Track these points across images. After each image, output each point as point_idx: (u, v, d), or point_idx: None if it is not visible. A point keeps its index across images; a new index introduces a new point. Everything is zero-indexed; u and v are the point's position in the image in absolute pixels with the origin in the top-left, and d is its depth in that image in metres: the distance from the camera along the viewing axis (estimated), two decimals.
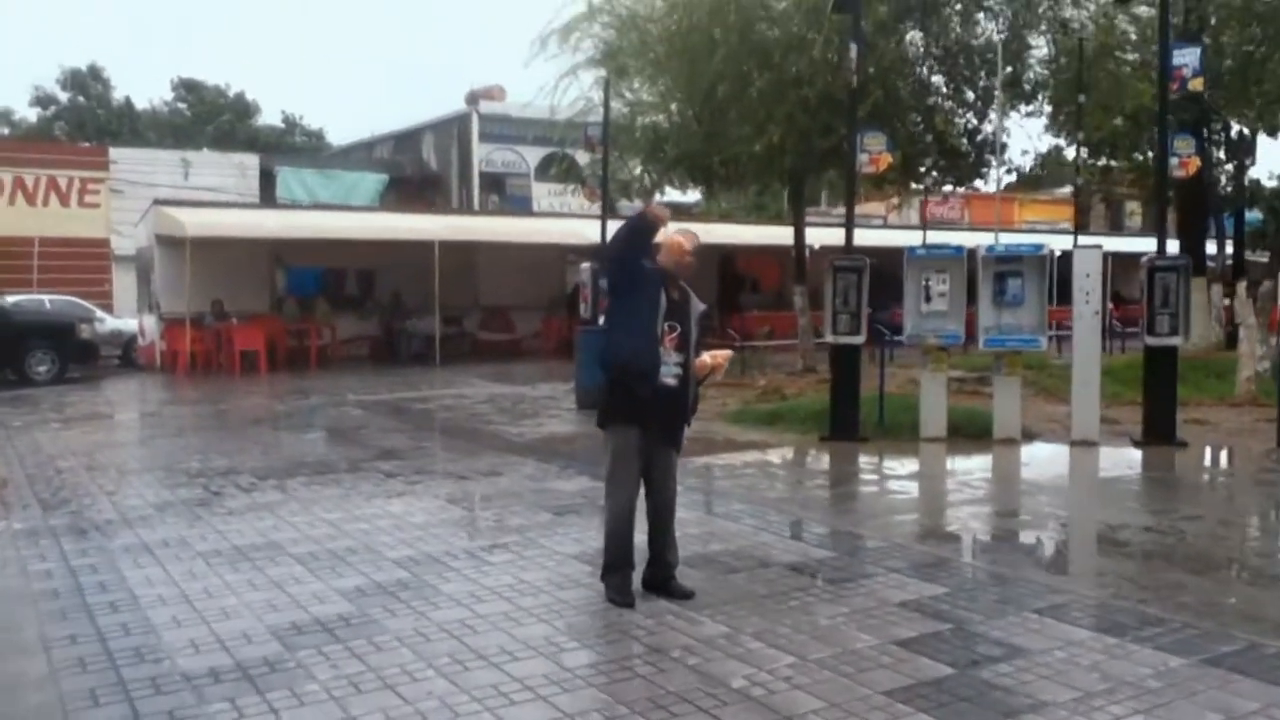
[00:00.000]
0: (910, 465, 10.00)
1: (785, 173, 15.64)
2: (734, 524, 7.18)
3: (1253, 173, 23.95)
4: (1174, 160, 10.60)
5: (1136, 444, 10.58)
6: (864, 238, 27.42)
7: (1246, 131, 20.73)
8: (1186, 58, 9.94)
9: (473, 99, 37.70)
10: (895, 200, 44.82)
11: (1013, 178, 17.76)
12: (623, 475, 5.41)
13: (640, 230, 5.16)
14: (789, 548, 6.59)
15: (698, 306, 5.52)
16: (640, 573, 5.56)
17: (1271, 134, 21.81)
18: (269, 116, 54.58)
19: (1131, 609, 5.34)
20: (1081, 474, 9.63)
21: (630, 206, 35.29)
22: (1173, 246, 18.42)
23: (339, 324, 22.57)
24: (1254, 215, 24.47)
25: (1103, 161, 23.14)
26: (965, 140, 16.04)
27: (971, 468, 9.88)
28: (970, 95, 15.44)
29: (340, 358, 22.02)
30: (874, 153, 10.89)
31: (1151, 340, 10.52)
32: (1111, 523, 7.29)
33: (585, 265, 16.69)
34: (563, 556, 6.31)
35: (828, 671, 4.46)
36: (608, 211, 16.47)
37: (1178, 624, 5.09)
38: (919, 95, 14.89)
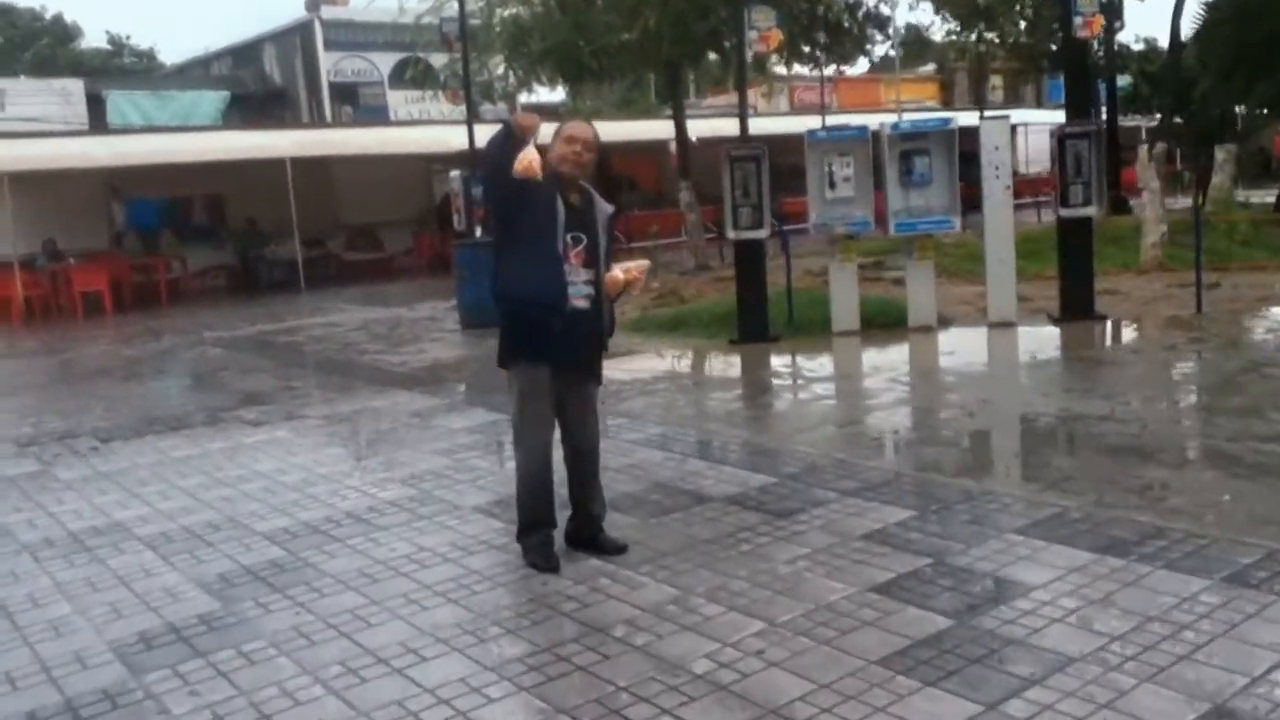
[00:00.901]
0: (829, 364, 9.34)
1: (662, 61, 14.54)
2: (657, 452, 6.35)
3: (1120, 37, 23.81)
4: (1078, 19, 9.94)
5: (1055, 320, 10.12)
6: (737, 127, 26.63)
7: None
8: None
9: (314, 4, 35.07)
10: (765, 88, 44.04)
11: (898, 52, 16.99)
12: (533, 419, 4.48)
13: (508, 142, 4.16)
14: (723, 475, 5.79)
15: (604, 210, 4.57)
16: (561, 528, 4.70)
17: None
18: (93, 39, 50.44)
19: (1123, 519, 4.71)
20: (1009, 359, 9.09)
21: (492, 110, 33.48)
22: (1059, 116, 17.94)
23: (190, 256, 20.81)
24: (1123, 81, 24.37)
25: (974, 35, 22.61)
26: (846, 15, 15.18)
27: (893, 361, 9.25)
28: None
29: (195, 291, 20.36)
30: (763, 29, 9.95)
31: (1065, 212, 9.97)
32: (1061, 413, 6.71)
33: (454, 173, 15.48)
34: (466, 512, 5.40)
35: (804, 639, 3.69)
36: (472, 115, 15.17)
37: (1179, 534, 4.47)
38: None
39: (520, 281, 4.35)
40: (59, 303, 18.10)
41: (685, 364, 9.67)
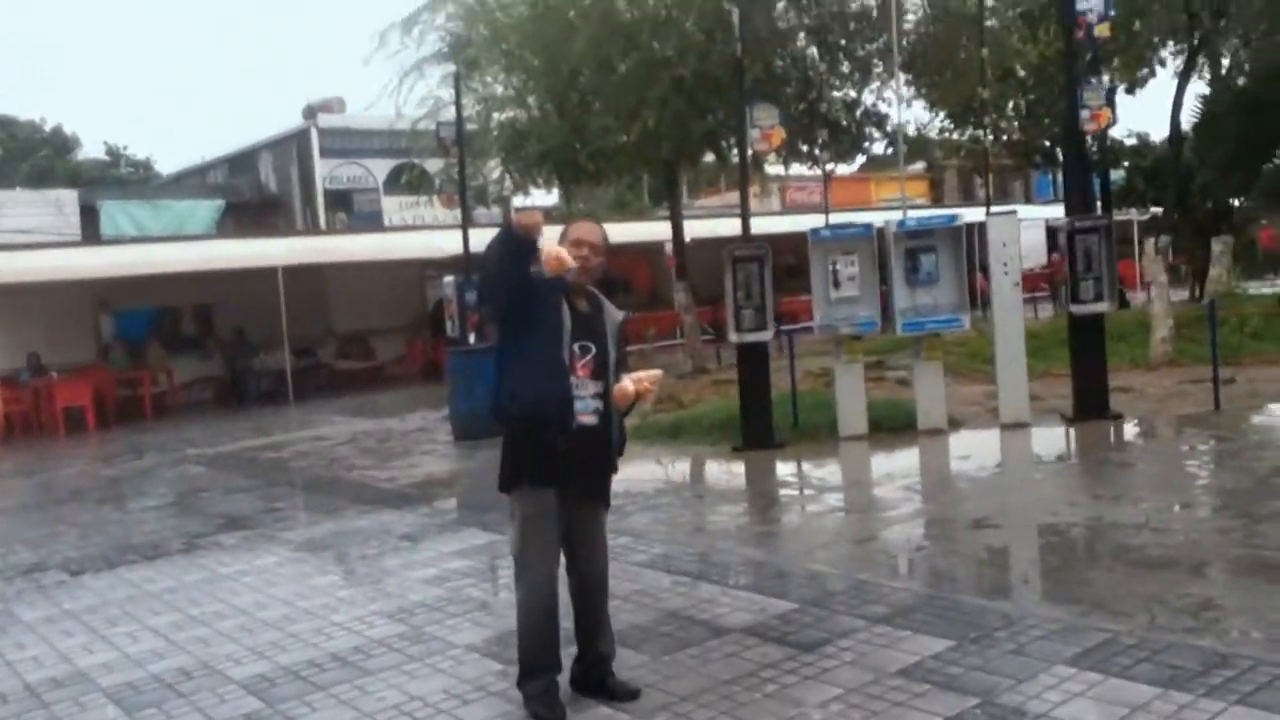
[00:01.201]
0: (839, 472, 8.96)
1: (659, 161, 14.43)
2: (664, 575, 5.91)
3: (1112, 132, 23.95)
4: (1084, 113, 9.81)
5: (1069, 421, 9.77)
6: (732, 228, 26.57)
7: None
8: (1091, 1, 9.15)
9: (311, 113, 35.49)
10: (758, 188, 44.41)
11: (903, 148, 16.99)
12: (538, 549, 4.07)
13: (510, 239, 3.84)
14: (738, 601, 5.35)
15: (614, 317, 4.24)
16: (566, 670, 4.25)
17: (1130, 91, 21.73)
18: (91, 150, 50.97)
19: (1180, 645, 4.29)
20: (1027, 462, 8.71)
21: (489, 214, 33.70)
22: (1048, 211, 18.00)
23: (177, 367, 20.44)
24: (1117, 175, 24.46)
25: (968, 132, 22.72)
26: (844, 113, 15.14)
27: (906, 468, 8.86)
28: (846, 67, 14.52)
29: (181, 404, 19.94)
30: (765, 127, 9.78)
31: (1077, 309, 9.70)
32: (1092, 522, 6.30)
33: (448, 279, 15.24)
34: (461, 651, 4.94)
35: None
36: (467, 219, 15.02)
37: (1247, 661, 4.05)
38: (797, 69, 13.87)
39: (523, 396, 3.99)
40: (40, 419, 17.68)
41: (688, 474, 9.26)
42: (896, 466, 8.91)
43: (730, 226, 28.38)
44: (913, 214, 10.10)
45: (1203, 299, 19.32)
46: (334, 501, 9.14)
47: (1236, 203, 19.35)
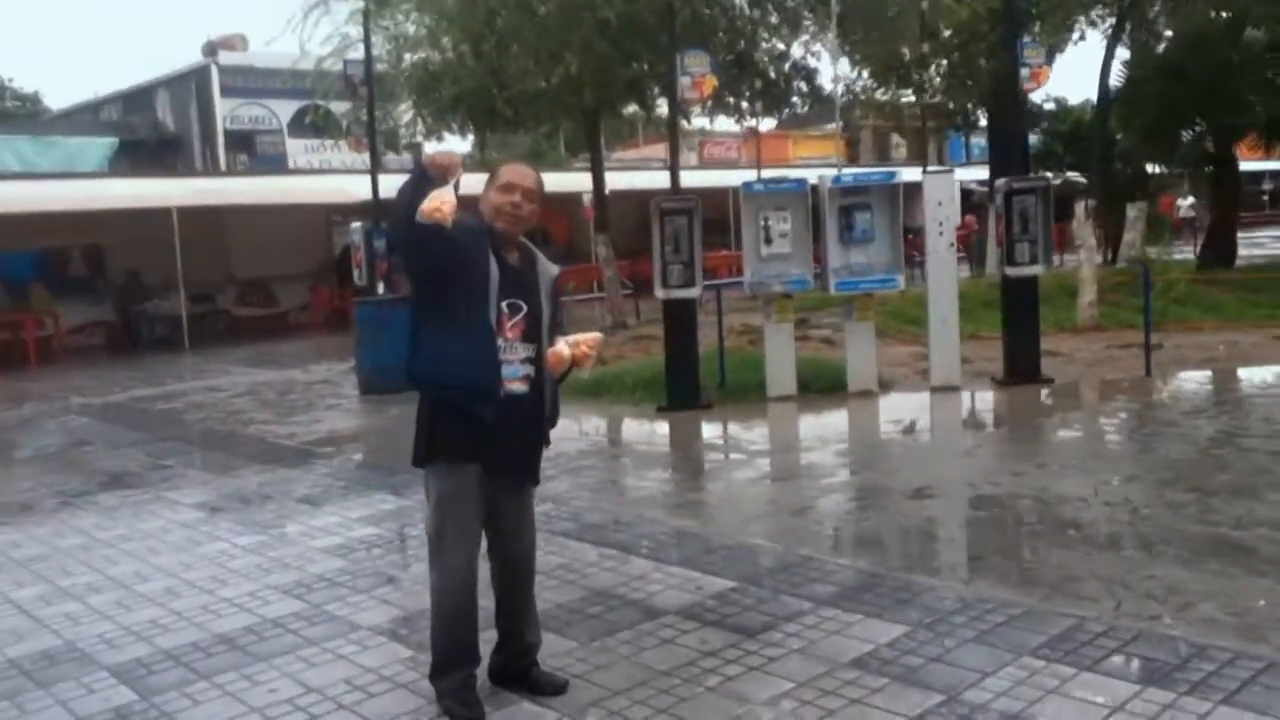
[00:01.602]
0: (770, 436, 8.59)
1: (581, 109, 13.77)
2: (590, 547, 5.46)
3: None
4: (1025, 70, 9.50)
5: (1000, 384, 9.57)
6: (651, 181, 26.05)
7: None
8: None
9: (211, 50, 33.83)
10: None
11: (808, 108, 16.61)
12: (457, 531, 3.57)
13: (424, 183, 3.29)
14: (671, 578, 4.92)
15: (548, 272, 3.73)
16: (485, 661, 3.78)
17: (1050, 55, 21.70)
18: None
19: (1153, 633, 3.99)
20: (961, 428, 8.48)
21: (398, 160, 32.57)
22: (980, 173, 17.87)
23: (65, 311, 19.25)
24: (1034, 139, 24.53)
25: (891, 91, 22.49)
26: (773, 65, 14.66)
27: (839, 431, 8.57)
28: (776, 18, 14.02)
29: (69, 350, 18.79)
30: (696, 75, 9.25)
31: (1011, 270, 9.45)
32: (1039, 494, 6.01)
33: (355, 225, 14.50)
34: (366, 634, 4.42)
35: None
36: (376, 163, 14.26)
37: (1225, 653, 3.76)
38: (726, 17, 13.32)
39: (443, 360, 3.47)
40: None
41: (612, 435, 8.81)
42: (829, 430, 8.60)
43: (649, 180, 28.00)
44: (848, 171, 9.68)
45: (1115, 263, 19.47)
46: (228, 459, 8.48)
47: (1153, 169, 19.45)
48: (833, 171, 9.47)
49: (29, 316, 17.95)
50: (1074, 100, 26.59)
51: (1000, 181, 9.53)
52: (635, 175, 27.74)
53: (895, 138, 51.18)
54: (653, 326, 14.64)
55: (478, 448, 3.49)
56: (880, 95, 22.13)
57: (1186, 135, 16.15)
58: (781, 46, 14.50)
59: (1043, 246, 9.44)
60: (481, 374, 3.46)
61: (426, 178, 3.29)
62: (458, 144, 22.88)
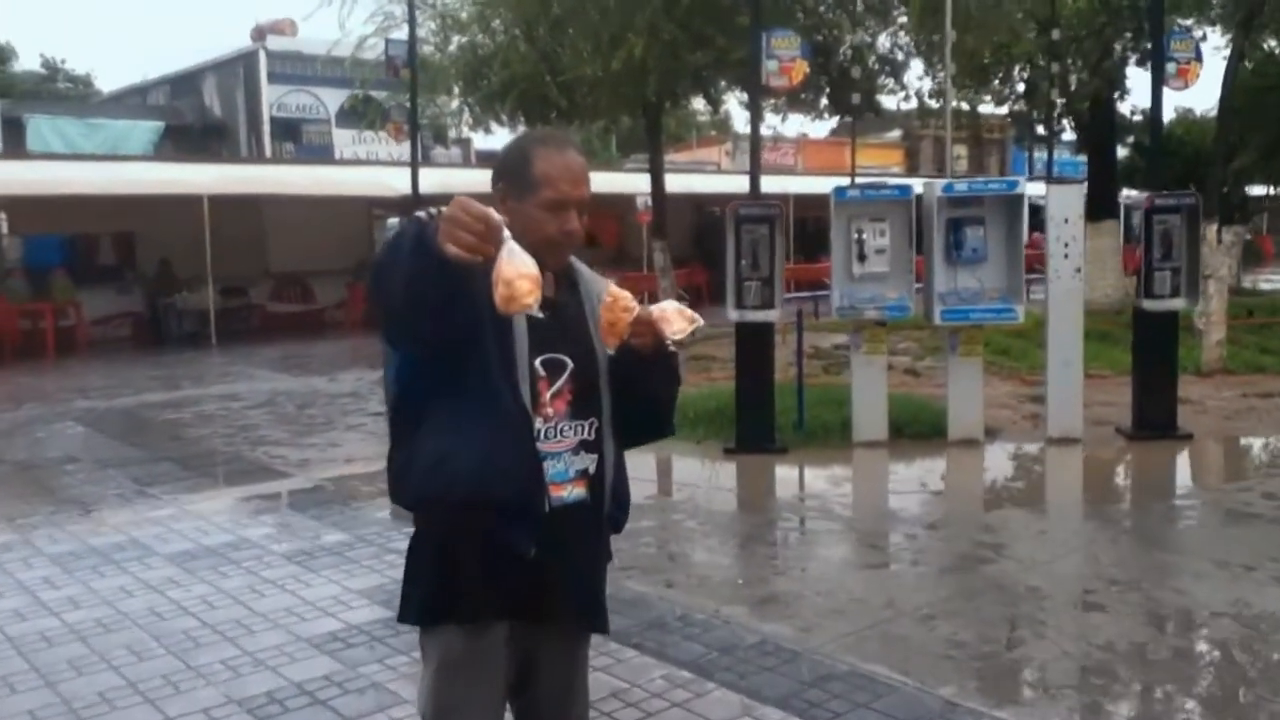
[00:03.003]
0: (862, 495, 7.25)
1: (642, 101, 12.44)
2: (654, 664, 4.13)
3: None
4: (1171, 66, 8.06)
5: (1129, 437, 8.13)
6: (708, 185, 24.64)
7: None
8: None
9: (259, 34, 33.05)
10: (729, 145, 42.30)
11: (912, 104, 15.17)
12: (465, 711, 2.25)
13: (421, 254, 1.92)
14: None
15: (598, 294, 2.35)
16: None
17: (1141, 63, 20.12)
18: (27, 62, 47.67)
19: None
20: (1101, 498, 7.05)
21: (446, 154, 31.35)
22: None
23: (90, 301, 18.21)
24: (1120, 152, 22.87)
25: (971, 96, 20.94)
26: (856, 59, 13.23)
27: (946, 493, 7.18)
28: (860, 4, 12.60)
29: (93, 342, 17.76)
30: (785, 59, 7.89)
31: (1150, 304, 8.01)
32: (1237, 611, 4.58)
33: (392, 220, 13.25)
34: None
35: None
36: (417, 151, 13.04)
37: None
38: (804, 3, 11.91)
39: (453, 469, 2.16)
40: None
41: (672, 482, 7.46)
42: (935, 491, 7.21)
43: (705, 183, 26.72)
44: (956, 181, 8.28)
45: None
46: (220, 490, 7.26)
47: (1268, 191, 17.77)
48: (942, 180, 8.04)
49: (48, 306, 16.93)
50: (1168, 112, 24.78)
51: (1137, 196, 8.11)
52: (691, 178, 26.43)
53: (956, 149, 49.50)
54: (711, 345, 13.30)
55: (511, 596, 2.19)
56: (958, 101, 20.52)
57: None
58: (867, 39, 13.05)
59: (1186, 276, 7.98)
60: (516, 483, 2.15)
61: (428, 236, 1.92)
62: (504, 137, 21.61)
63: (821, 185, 22.85)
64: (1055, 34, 12.86)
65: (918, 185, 8.31)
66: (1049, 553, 5.55)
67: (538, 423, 2.20)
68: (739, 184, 26.09)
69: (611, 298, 2.23)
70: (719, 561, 5.72)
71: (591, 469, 2.29)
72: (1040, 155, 37.88)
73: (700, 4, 10.81)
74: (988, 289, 7.92)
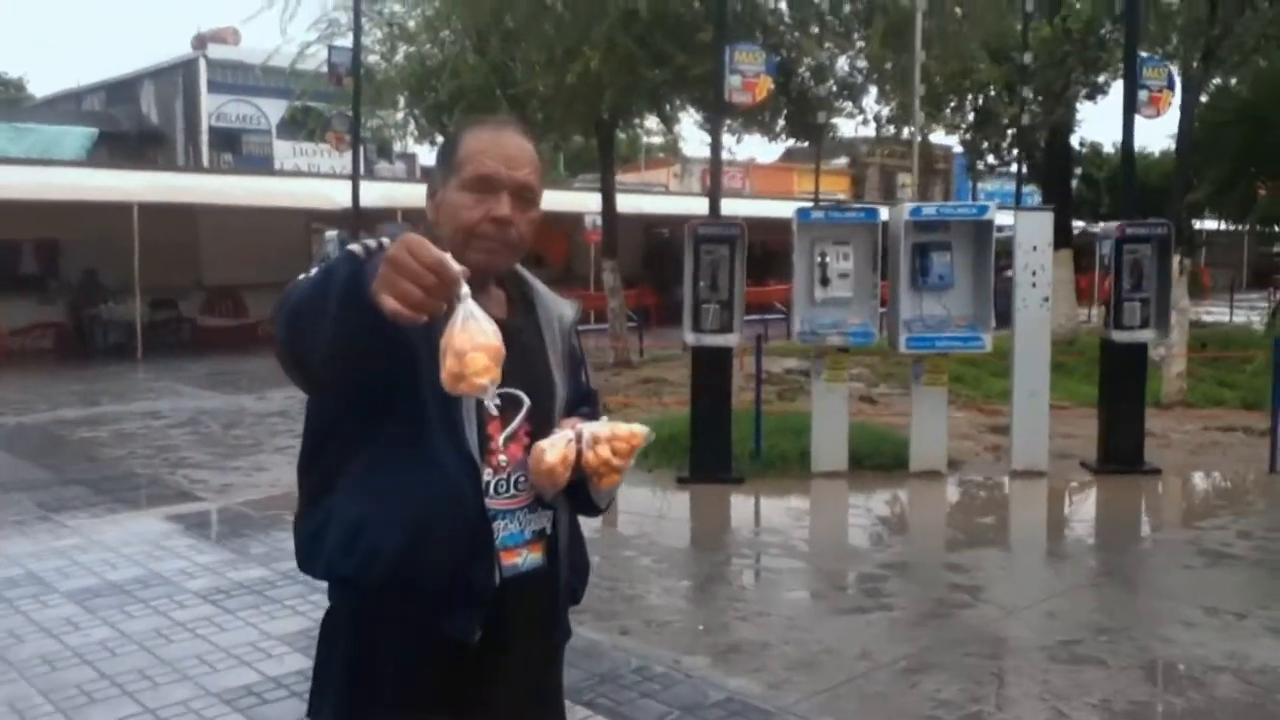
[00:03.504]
0: (824, 530, 6.88)
1: (595, 117, 12.03)
2: (597, 714, 3.69)
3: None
4: (1143, 94, 7.86)
5: (1095, 471, 7.87)
6: (657, 205, 24.35)
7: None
8: None
9: (200, 43, 32.30)
10: (677, 167, 42.03)
11: (869, 130, 14.93)
12: None
13: (354, 289, 1.48)
14: None
15: (560, 316, 1.98)
16: None
17: (1091, 96, 20.22)
18: None
19: None
20: (1073, 536, 6.76)
21: (390, 169, 30.75)
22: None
23: (9, 311, 17.37)
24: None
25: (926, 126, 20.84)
26: (813, 81, 12.97)
27: (911, 529, 6.85)
28: (816, 27, 12.34)
29: (8, 353, 16.89)
30: (749, 74, 7.54)
31: (1120, 335, 7.76)
32: (1236, 664, 4.26)
33: (330, 233, 12.77)
34: None
35: None
36: (359, 162, 12.53)
37: None
38: (756, 19, 11.59)
39: (378, 535, 1.71)
40: None
41: (624, 515, 7.02)
42: (899, 526, 6.90)
43: (655, 204, 26.42)
44: (924, 205, 7.96)
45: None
46: (135, 519, 6.67)
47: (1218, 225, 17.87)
48: (909, 203, 7.75)
49: None
50: (1109, 146, 25.01)
51: (1109, 226, 7.85)
52: (640, 198, 26.11)
53: (902, 177, 49.95)
54: (661, 368, 12.95)
55: (446, 690, 1.75)
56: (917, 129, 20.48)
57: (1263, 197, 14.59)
58: (826, 61, 12.78)
59: (1155, 306, 7.76)
60: (458, 556, 1.72)
61: (360, 271, 1.50)
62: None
63: (770, 209, 22.70)
64: (1027, 58, 12.67)
65: (883, 210, 7.99)
66: (1028, 596, 5.19)
67: (487, 473, 1.77)
68: (688, 205, 25.89)
69: (624, 444, 1.83)
70: (676, 604, 5.29)
71: (548, 528, 1.87)
72: (984, 186, 38.36)
73: (660, 19, 10.46)
74: (954, 316, 7.62)
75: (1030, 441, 7.76)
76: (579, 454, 1.82)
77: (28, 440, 9.64)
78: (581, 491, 1.86)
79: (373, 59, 13.82)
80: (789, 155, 42.19)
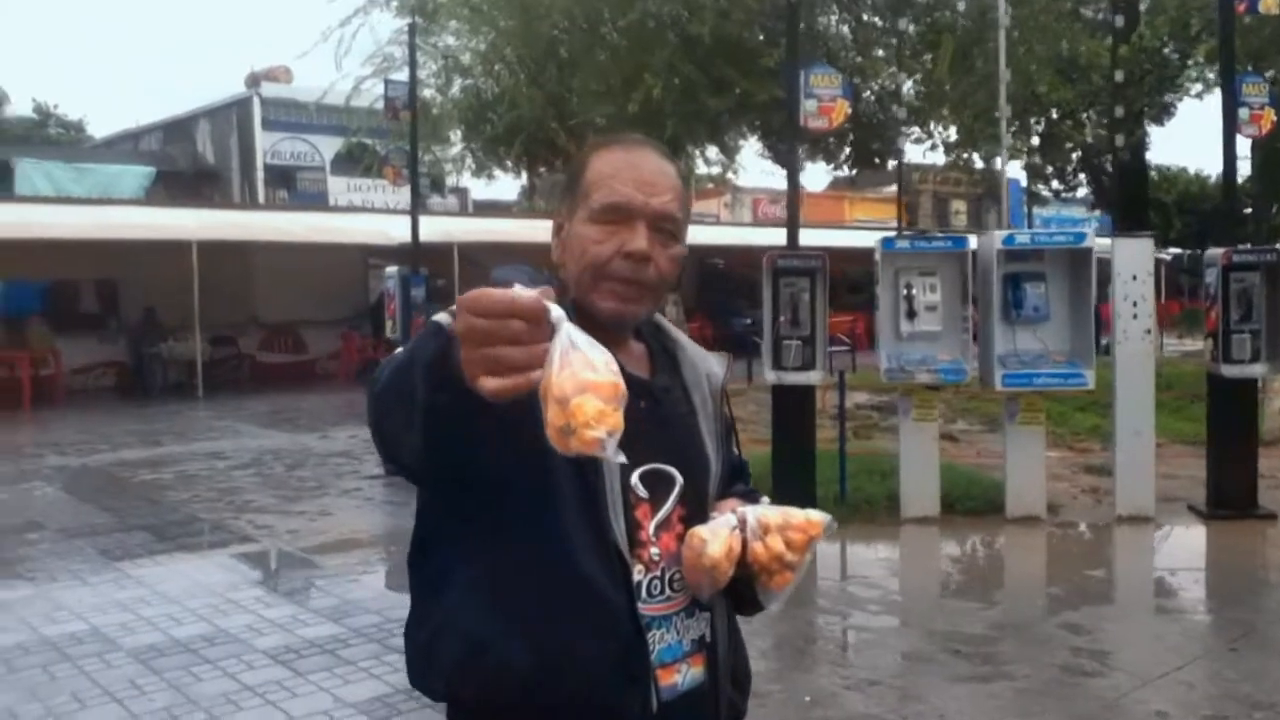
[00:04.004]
0: (919, 579, 6.48)
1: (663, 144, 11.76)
2: None
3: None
4: (1244, 111, 7.44)
5: (1204, 516, 7.38)
6: (706, 235, 24.05)
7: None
8: None
9: (254, 81, 32.74)
10: (727, 196, 41.86)
11: (937, 155, 14.55)
12: None
13: (442, 371, 1.18)
14: None
15: (707, 373, 1.65)
16: None
17: (1158, 119, 19.66)
18: (19, 107, 47.19)
19: None
20: (1197, 589, 6.30)
21: (442, 203, 30.83)
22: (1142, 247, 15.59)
23: (71, 349, 17.42)
24: None
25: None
26: (878, 106, 12.63)
27: (1017, 580, 6.45)
28: (879, 52, 12.01)
29: (71, 392, 16.93)
30: (826, 98, 7.22)
31: (1230, 370, 7.28)
32: None
33: (390, 270, 12.55)
34: None
35: None
36: (418, 197, 12.34)
37: None
38: (819, 43, 11.29)
39: (493, 659, 1.41)
40: None
41: None
42: (997, 578, 6.46)
43: (707, 235, 26.18)
44: (1016, 234, 7.55)
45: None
46: (199, 569, 6.43)
47: None
48: (1003, 232, 7.36)
49: (23, 355, 16.11)
50: (1182, 165, 24.32)
51: (1214, 252, 7.39)
52: (693, 229, 25.77)
53: (955, 204, 49.33)
54: (735, 406, 12.52)
55: None
56: (970, 154, 20.02)
57: None
58: (891, 86, 12.44)
59: (1266, 338, 7.28)
60: (605, 679, 1.40)
61: (448, 348, 1.18)
62: (510, 184, 21.00)
63: (825, 238, 22.33)
64: (1119, 76, 12.22)
65: (971, 239, 7.60)
66: (1161, 662, 4.75)
67: (637, 571, 1.45)
68: (741, 235, 25.59)
69: (799, 534, 1.52)
70: (772, 668, 4.91)
71: (707, 633, 1.54)
72: (1040, 212, 37.74)
73: (721, 45, 10.18)
74: (1051, 351, 7.20)
75: (1135, 484, 7.28)
76: (744, 545, 1.50)
77: (90, 482, 9.50)
78: (741, 589, 1.54)
79: (428, 92, 13.68)
80: (835, 184, 41.87)
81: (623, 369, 1.46)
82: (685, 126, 11.22)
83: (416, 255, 11.85)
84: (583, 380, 1.13)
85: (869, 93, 12.33)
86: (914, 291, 7.25)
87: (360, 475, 9.55)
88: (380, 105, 13.62)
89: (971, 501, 7.49)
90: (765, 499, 1.60)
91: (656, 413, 1.50)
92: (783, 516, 1.51)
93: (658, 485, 1.48)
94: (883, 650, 5.17)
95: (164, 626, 5.33)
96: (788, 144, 8.05)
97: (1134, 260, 7.30)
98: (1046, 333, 7.24)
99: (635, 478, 1.45)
